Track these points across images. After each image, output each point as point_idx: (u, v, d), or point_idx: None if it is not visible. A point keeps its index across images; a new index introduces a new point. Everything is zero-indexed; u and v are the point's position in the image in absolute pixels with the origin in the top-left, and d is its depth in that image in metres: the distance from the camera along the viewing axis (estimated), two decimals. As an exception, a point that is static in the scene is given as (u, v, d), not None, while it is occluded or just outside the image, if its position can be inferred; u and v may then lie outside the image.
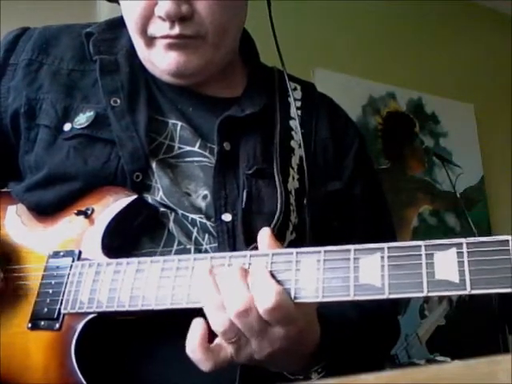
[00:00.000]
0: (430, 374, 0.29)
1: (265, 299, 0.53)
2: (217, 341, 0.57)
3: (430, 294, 0.49)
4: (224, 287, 0.55)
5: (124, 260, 0.63)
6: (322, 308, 0.65)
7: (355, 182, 0.83)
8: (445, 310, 2.42)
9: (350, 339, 0.70)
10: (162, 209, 0.71)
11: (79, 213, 0.70)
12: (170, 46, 0.73)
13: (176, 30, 0.71)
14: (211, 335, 0.56)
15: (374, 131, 2.53)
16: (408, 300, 2.33)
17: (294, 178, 0.77)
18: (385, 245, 0.52)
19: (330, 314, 0.65)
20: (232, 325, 0.54)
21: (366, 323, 0.74)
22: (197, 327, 0.56)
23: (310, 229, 0.75)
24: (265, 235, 0.60)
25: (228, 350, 0.57)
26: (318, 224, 0.77)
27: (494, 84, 2.94)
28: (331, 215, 0.80)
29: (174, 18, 0.70)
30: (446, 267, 0.49)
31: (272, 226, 0.71)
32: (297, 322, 0.55)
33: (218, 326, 0.55)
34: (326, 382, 0.30)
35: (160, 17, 0.70)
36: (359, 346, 0.72)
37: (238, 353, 0.56)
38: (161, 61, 0.74)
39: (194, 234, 0.71)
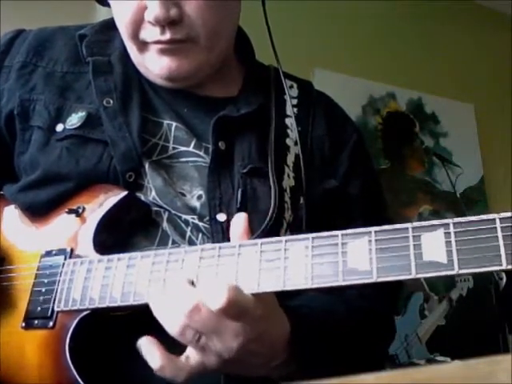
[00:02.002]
0: (430, 374, 0.28)
1: (215, 299, 0.52)
2: (185, 353, 0.57)
3: (419, 276, 0.48)
4: (169, 290, 0.55)
5: (115, 256, 0.63)
6: (302, 307, 0.65)
7: (351, 180, 0.83)
8: (445, 310, 2.42)
9: (336, 333, 0.69)
10: (155, 208, 0.71)
11: (70, 211, 0.70)
12: (163, 51, 0.72)
13: (167, 35, 0.70)
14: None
15: (374, 131, 2.52)
16: (408, 300, 2.33)
17: (289, 176, 0.77)
18: (372, 229, 0.52)
19: (306, 308, 0.65)
20: (187, 324, 0.54)
21: (356, 318, 0.74)
22: (149, 346, 0.56)
23: (306, 227, 0.75)
24: (241, 220, 0.59)
25: (196, 355, 0.56)
26: (315, 222, 0.76)
27: (494, 84, 2.94)
28: (329, 213, 0.80)
29: (164, 23, 0.69)
30: (434, 248, 0.48)
31: (265, 223, 0.70)
32: (254, 312, 0.54)
33: (173, 329, 0.54)
34: (326, 382, 0.30)
35: (150, 22, 0.70)
36: (350, 341, 0.71)
37: (205, 355, 0.55)
38: (153, 65, 0.74)
39: (188, 233, 0.71)
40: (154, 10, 0.68)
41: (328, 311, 0.70)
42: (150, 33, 0.71)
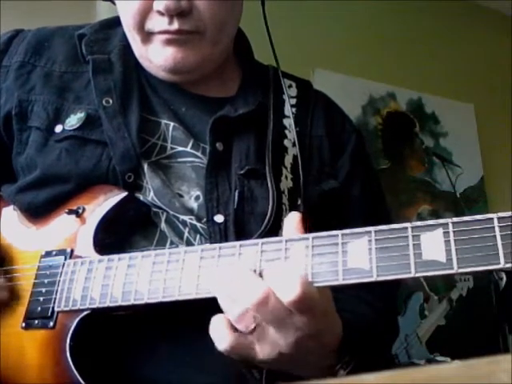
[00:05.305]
0: (429, 374, 0.28)
1: (288, 290, 0.51)
2: None
3: (418, 275, 0.49)
4: (237, 278, 0.54)
5: (115, 256, 0.63)
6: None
7: (352, 181, 0.83)
8: (445, 309, 2.42)
9: (366, 335, 0.69)
10: (153, 209, 0.71)
11: (70, 212, 0.70)
12: (169, 42, 0.72)
13: (175, 26, 0.70)
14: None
15: (374, 131, 2.52)
16: (408, 300, 2.33)
17: (287, 178, 0.77)
18: (372, 228, 0.52)
19: (344, 309, 0.64)
20: (249, 313, 0.53)
21: (377, 320, 0.74)
22: (218, 324, 0.55)
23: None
24: (294, 219, 0.59)
25: (250, 339, 0.55)
26: (313, 224, 0.76)
27: (494, 84, 2.94)
28: (328, 214, 0.79)
29: (174, 13, 0.69)
30: (433, 247, 0.49)
31: (263, 226, 0.70)
32: (317, 307, 0.53)
33: (234, 316, 0.54)
34: (326, 382, 0.30)
35: (159, 11, 0.70)
36: (371, 342, 0.71)
37: (259, 344, 0.55)
38: (158, 56, 0.74)
39: (186, 234, 0.71)
40: (165, 0, 0.68)
41: (358, 313, 0.70)
42: (156, 23, 0.71)
